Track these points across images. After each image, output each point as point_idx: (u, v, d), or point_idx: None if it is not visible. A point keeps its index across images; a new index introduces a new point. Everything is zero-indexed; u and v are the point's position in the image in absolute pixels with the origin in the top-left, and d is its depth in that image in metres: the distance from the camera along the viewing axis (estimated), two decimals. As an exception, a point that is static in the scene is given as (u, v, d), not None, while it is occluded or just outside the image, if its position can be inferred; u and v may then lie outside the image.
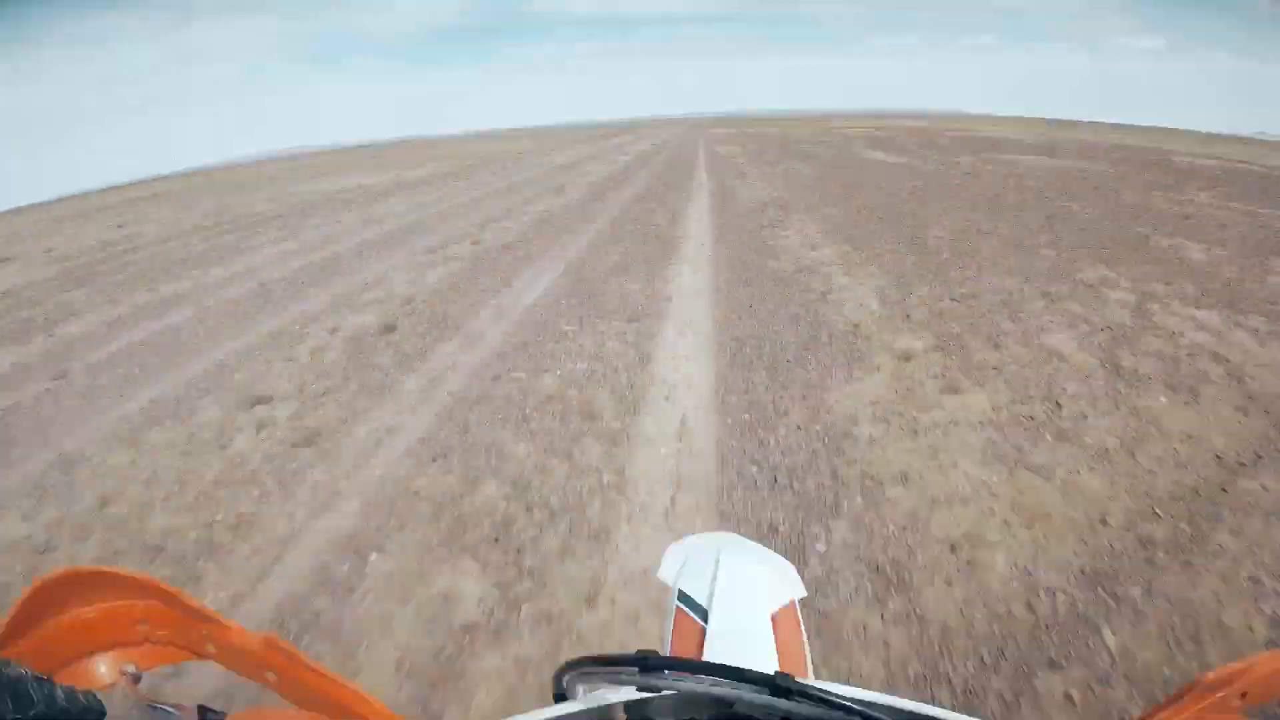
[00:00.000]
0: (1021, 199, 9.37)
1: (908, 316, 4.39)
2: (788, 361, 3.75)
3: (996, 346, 3.82)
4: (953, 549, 2.18)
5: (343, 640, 1.93)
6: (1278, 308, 4.32)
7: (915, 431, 2.92)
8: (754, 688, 0.46)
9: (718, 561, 0.83)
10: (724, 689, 0.47)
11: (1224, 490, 2.43)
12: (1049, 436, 2.84)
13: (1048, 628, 1.84)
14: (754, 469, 2.70)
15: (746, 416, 3.13)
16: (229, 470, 2.94)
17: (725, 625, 0.74)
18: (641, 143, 30.57)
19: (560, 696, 0.60)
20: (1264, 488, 2.43)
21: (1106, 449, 2.72)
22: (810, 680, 0.51)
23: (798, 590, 0.84)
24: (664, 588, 0.86)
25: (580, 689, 0.60)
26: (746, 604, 0.78)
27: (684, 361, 3.84)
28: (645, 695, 0.54)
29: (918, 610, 1.93)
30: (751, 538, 1.13)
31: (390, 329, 4.74)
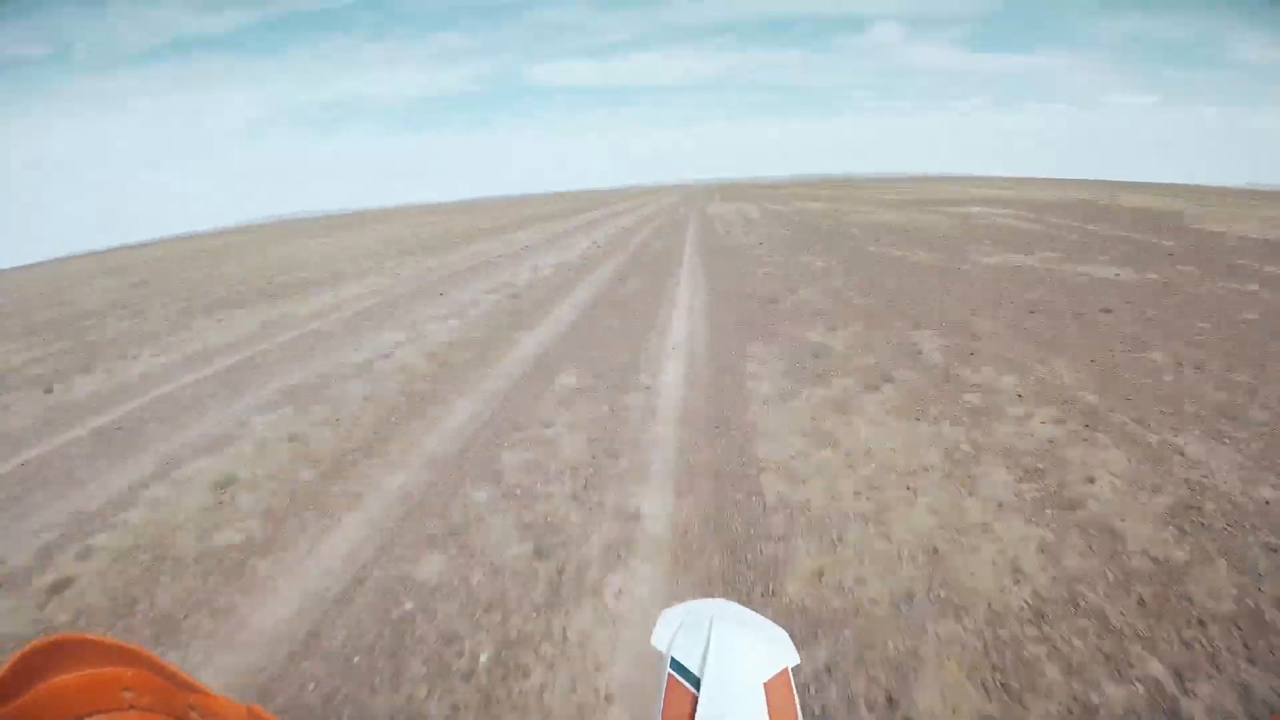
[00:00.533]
0: None
1: None
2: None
3: None
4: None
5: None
6: None
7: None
8: None
9: (711, 628, 0.83)
10: None
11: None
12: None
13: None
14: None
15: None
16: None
17: (717, 694, 0.73)
18: (601, 227, 20.67)
19: None
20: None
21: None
22: None
23: (791, 658, 0.80)
24: (658, 655, 0.83)
25: None
26: (739, 672, 0.76)
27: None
28: None
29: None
30: (743, 603, 1.06)
31: None
